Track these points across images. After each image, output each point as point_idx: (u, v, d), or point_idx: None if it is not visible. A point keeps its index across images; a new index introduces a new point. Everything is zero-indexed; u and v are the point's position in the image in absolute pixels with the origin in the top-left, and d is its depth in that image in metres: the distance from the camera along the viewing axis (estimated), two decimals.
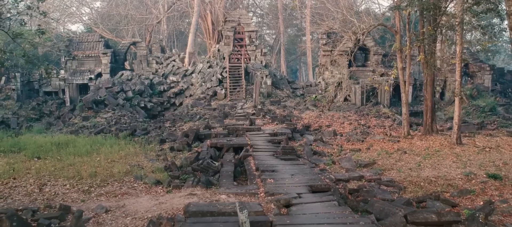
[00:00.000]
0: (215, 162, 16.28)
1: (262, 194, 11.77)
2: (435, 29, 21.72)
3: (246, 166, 15.82)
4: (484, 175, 14.69)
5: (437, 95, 37.66)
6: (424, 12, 22.24)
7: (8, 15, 10.99)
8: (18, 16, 11.41)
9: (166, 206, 11.15)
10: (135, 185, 13.97)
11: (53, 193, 12.88)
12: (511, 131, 25.43)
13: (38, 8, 11.64)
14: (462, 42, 20.90)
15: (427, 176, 14.89)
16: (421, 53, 22.77)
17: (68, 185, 13.63)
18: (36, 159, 17.67)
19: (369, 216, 9.78)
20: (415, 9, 19.96)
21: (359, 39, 23.83)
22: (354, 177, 14.44)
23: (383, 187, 13.56)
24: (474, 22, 19.91)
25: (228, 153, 18.89)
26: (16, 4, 11.34)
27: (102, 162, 16.83)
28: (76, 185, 13.69)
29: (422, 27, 22.70)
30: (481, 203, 11.90)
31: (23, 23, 11.60)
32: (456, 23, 19.03)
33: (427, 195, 12.42)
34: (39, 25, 12.52)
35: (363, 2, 55.87)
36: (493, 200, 12.02)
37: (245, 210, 8.23)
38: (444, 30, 20.74)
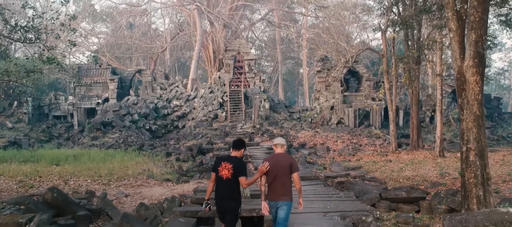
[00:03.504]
0: None
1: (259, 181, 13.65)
2: (419, 51, 23.92)
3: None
4: (457, 174, 16.55)
5: (427, 120, 39.75)
6: (408, 37, 24.60)
7: (45, 30, 13.11)
8: (53, 31, 13.51)
9: (177, 191, 13.02)
10: (148, 181, 15.84)
11: (77, 185, 14.75)
12: (493, 148, 27.38)
13: (69, 25, 13.84)
14: (441, 62, 23.14)
15: (407, 175, 16.80)
16: (405, 74, 24.94)
17: (89, 180, 15.51)
18: (55, 166, 19.50)
19: (349, 193, 11.66)
20: (396, 30, 22.10)
21: (348, 61, 26.02)
22: (341, 175, 16.34)
23: (366, 182, 15.42)
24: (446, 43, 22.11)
25: None
26: (52, 22, 13.52)
27: (116, 167, 18.68)
28: (97, 180, 15.57)
29: (407, 50, 24.96)
30: None
31: (58, 37, 13.76)
32: (431, 42, 21.26)
33: (403, 186, 14.26)
34: (69, 40, 14.59)
35: (357, 35, 58.61)
36: (460, 189, 13.86)
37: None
38: (424, 50, 22.83)
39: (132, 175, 16.61)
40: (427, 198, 11.77)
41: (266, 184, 6.89)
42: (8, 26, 12.42)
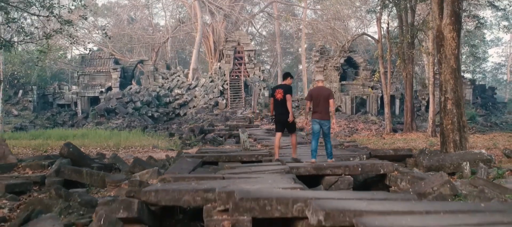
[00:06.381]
0: (220, 138, 19.16)
1: (259, 146, 14.66)
2: (412, 35, 24.84)
3: None
4: None
5: (423, 109, 40.70)
6: (403, 23, 25.54)
7: (57, 4, 14.06)
8: (65, 6, 14.47)
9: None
10: (154, 150, 16.80)
11: (88, 152, 15.68)
12: (485, 133, 28.36)
13: (81, 1, 14.80)
14: (433, 45, 24.08)
15: (398, 146, 17.76)
16: (399, 58, 25.86)
17: (98, 148, 16.48)
18: (64, 141, 20.43)
19: (342, 150, 12.65)
20: (390, 12, 23.02)
21: (345, 46, 26.98)
22: (335, 145, 17.28)
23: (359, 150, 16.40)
24: None
25: (230, 139, 21.78)
26: None
27: (122, 142, 19.63)
28: (105, 148, 16.54)
29: (401, 35, 25.90)
30: None
31: (70, 11, 14.71)
32: (422, 23, 22.22)
33: None
34: (80, 15, 15.43)
35: (356, 31, 59.45)
36: None
37: (246, 132, 11.11)
38: (417, 34, 23.77)
39: (139, 145, 17.59)
40: (413, 153, 12.73)
41: (310, 107, 9.53)
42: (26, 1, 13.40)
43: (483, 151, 9.32)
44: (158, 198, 5.01)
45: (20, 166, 10.16)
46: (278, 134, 10.18)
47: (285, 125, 9.89)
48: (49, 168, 9.85)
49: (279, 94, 9.51)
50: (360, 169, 7.52)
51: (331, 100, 9.29)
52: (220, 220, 4.33)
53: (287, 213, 4.27)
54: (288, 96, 9.45)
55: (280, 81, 62.41)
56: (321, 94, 9.31)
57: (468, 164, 8.52)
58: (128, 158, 13.90)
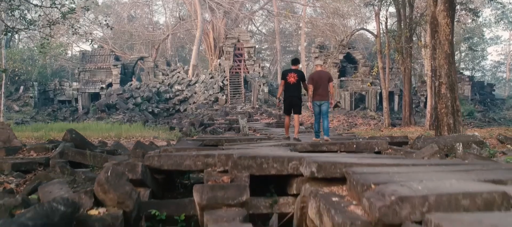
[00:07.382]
0: (220, 129, 19.41)
1: (258, 135, 14.91)
2: (410, 29, 25.11)
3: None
4: None
5: (421, 105, 40.98)
6: (401, 17, 25.79)
7: None
8: None
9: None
10: (155, 140, 17.04)
11: (90, 140, 15.93)
12: (482, 128, 28.63)
13: None
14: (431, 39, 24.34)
15: (394, 135, 18.01)
16: (398, 53, 26.11)
17: (100, 137, 16.72)
18: None
19: (339, 137, 12.89)
20: (387, 6, 23.27)
21: (344, 40, 27.23)
22: (333, 137, 17.56)
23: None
24: None
25: (229, 131, 22.04)
26: None
27: (123, 132, 19.88)
28: (107, 137, 16.78)
29: (399, 29, 26.15)
30: None
31: (72, 2, 14.98)
32: (420, 17, 22.47)
33: None
34: (82, 7, 15.69)
35: (356, 26, 59.60)
36: None
37: (245, 119, 11.37)
38: (415, 26, 24.02)
39: (140, 136, 17.84)
40: (409, 140, 12.98)
41: (312, 90, 10.12)
42: None
43: (476, 133, 9.57)
44: (161, 162, 5.27)
45: (24, 149, 10.41)
46: (287, 117, 10.84)
47: (293, 106, 10.40)
48: (53, 151, 10.10)
49: (292, 78, 10.05)
50: (355, 146, 7.79)
51: (330, 84, 10.08)
52: (220, 177, 4.58)
53: (283, 171, 4.54)
54: (304, 83, 10.26)
55: (280, 79, 62.85)
56: (321, 77, 10.06)
57: (461, 145, 8.76)
58: (130, 146, 14.14)
